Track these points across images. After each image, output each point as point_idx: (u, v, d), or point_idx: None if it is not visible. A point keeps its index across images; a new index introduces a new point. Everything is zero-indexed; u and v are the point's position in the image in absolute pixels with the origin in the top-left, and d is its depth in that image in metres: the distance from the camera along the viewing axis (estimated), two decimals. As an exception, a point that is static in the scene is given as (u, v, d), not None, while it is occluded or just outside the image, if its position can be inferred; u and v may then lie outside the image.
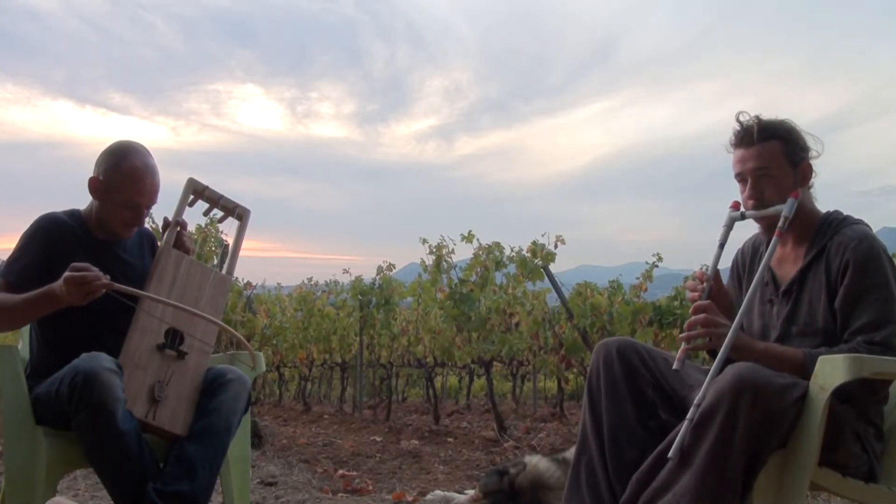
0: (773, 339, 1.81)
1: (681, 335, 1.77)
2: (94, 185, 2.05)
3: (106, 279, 1.84)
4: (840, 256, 1.69)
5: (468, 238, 4.97)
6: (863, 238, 1.69)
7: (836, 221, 1.78)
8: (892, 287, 1.66)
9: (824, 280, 1.73)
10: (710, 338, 1.70)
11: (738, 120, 1.81)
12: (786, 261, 1.85)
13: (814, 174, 1.81)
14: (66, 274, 1.80)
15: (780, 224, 1.71)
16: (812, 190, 1.83)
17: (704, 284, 1.81)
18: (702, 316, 1.72)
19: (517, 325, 5.37)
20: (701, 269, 1.85)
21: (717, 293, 1.89)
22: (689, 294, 1.87)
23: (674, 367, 1.72)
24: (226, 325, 2.10)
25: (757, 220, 1.82)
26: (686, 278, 4.64)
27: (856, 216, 1.79)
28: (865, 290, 1.65)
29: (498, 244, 5.00)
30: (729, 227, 1.83)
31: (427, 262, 5.21)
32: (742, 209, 1.81)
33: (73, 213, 2.11)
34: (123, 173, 2.02)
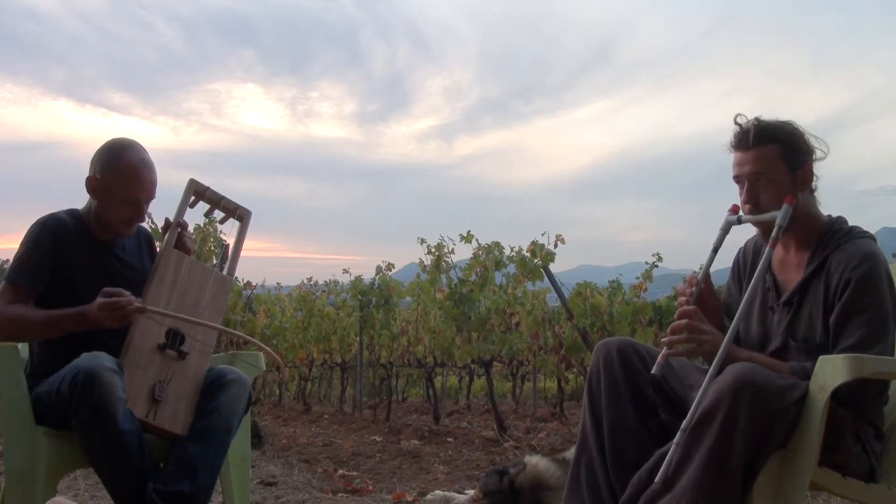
0: (773, 348, 1.80)
1: (663, 340, 1.75)
2: (93, 185, 2.05)
3: (138, 303, 1.88)
4: (840, 274, 1.67)
5: (467, 238, 4.98)
6: (865, 258, 1.66)
7: (840, 233, 1.74)
8: (887, 309, 1.64)
9: (822, 296, 1.71)
10: (694, 344, 1.69)
11: (736, 122, 1.79)
12: (788, 266, 1.83)
13: (816, 178, 1.78)
14: (101, 300, 1.85)
15: (773, 234, 1.69)
16: (816, 193, 1.80)
17: (694, 289, 1.80)
18: (684, 322, 1.70)
19: (517, 325, 5.37)
20: (693, 273, 1.83)
21: (708, 297, 1.89)
22: (679, 299, 1.85)
23: (652, 371, 1.71)
24: (246, 336, 2.11)
25: (754, 224, 1.80)
26: (684, 279, 4.65)
27: (856, 216, 1.77)
28: (860, 310, 1.63)
29: (497, 244, 5.00)
30: (725, 230, 1.80)
31: (426, 262, 5.22)
32: (740, 213, 1.79)
33: (73, 213, 2.11)
34: (121, 171, 2.02)
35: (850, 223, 1.79)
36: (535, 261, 4.74)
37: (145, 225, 2.26)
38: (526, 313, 5.32)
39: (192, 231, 2.25)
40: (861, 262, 1.65)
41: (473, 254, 5.02)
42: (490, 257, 4.98)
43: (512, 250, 4.96)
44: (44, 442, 1.82)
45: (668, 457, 1.55)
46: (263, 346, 2.23)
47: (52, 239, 2.01)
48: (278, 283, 8.57)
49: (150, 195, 2.09)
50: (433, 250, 5.15)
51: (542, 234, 4.73)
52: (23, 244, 2.02)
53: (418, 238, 5.21)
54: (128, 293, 1.87)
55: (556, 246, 4.70)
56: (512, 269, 5.01)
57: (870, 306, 1.63)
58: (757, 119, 1.77)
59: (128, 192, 2.03)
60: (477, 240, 5.00)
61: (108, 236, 2.12)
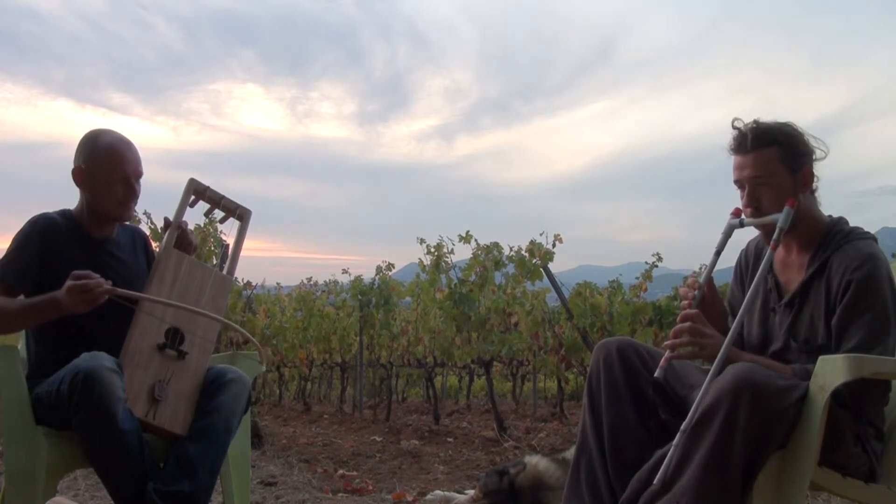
0: (774, 349, 1.80)
1: (665, 342, 1.76)
2: (79, 175, 2.06)
3: (108, 285, 1.85)
4: (840, 276, 1.67)
5: (466, 238, 4.98)
6: (866, 259, 1.66)
7: (841, 235, 1.74)
8: (888, 311, 1.64)
9: (824, 298, 1.71)
10: (697, 347, 1.69)
11: (734, 126, 1.78)
12: (790, 267, 1.83)
13: (816, 179, 1.78)
14: (69, 283, 1.82)
15: (774, 236, 1.69)
16: (817, 194, 1.80)
17: (696, 292, 1.80)
18: (687, 325, 1.70)
19: (516, 325, 5.37)
20: (693, 274, 1.84)
21: (711, 300, 1.88)
22: (682, 302, 1.85)
23: (655, 374, 1.71)
24: (230, 322, 2.10)
25: (757, 227, 1.80)
26: (685, 279, 4.66)
27: (856, 216, 1.77)
28: (860, 312, 1.63)
29: (497, 244, 5.00)
30: (727, 234, 1.81)
31: (425, 263, 5.22)
32: (742, 216, 1.79)
33: (65, 213, 2.12)
34: (102, 152, 2.04)
35: (851, 223, 1.79)
36: (534, 260, 4.74)
37: (145, 226, 2.27)
38: (525, 313, 5.31)
39: (191, 230, 2.25)
40: (862, 264, 1.65)
41: (473, 254, 5.02)
42: (490, 257, 4.98)
43: (511, 250, 4.97)
44: (44, 442, 1.82)
45: (668, 457, 1.55)
46: (244, 332, 2.20)
47: (41, 238, 2.01)
48: (278, 283, 8.57)
49: (137, 171, 2.09)
50: (432, 250, 5.16)
51: (541, 234, 4.75)
52: (12, 242, 2.03)
53: (418, 238, 5.22)
54: (96, 275, 1.84)
55: (554, 245, 4.71)
56: (511, 269, 5.01)
57: (871, 308, 1.63)
58: (755, 122, 1.77)
59: (113, 171, 2.04)
60: (476, 240, 5.01)
61: (103, 233, 2.12)
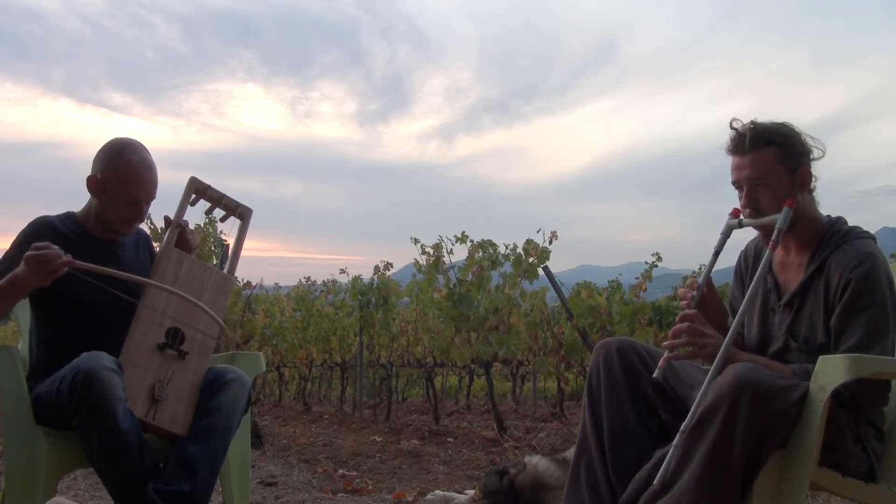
0: (774, 349, 1.80)
1: (664, 343, 1.76)
2: (93, 184, 2.06)
3: (67, 257, 1.81)
4: (839, 275, 1.67)
5: (462, 239, 4.97)
6: (864, 259, 1.66)
7: (840, 234, 1.74)
8: (887, 309, 1.64)
9: (823, 297, 1.71)
10: (696, 347, 1.69)
11: (731, 126, 1.79)
12: (789, 267, 1.84)
13: (814, 179, 1.78)
14: (27, 254, 1.78)
15: (773, 236, 1.69)
16: (815, 193, 1.80)
17: (695, 292, 1.80)
18: (685, 325, 1.71)
19: (508, 329, 5.35)
20: (692, 274, 1.84)
21: (710, 300, 1.88)
22: (680, 302, 1.85)
23: (654, 375, 1.71)
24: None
25: (755, 227, 1.80)
26: (684, 279, 4.67)
27: (855, 216, 1.77)
28: (859, 311, 1.63)
29: (491, 241, 4.98)
30: (726, 234, 1.81)
31: (421, 263, 5.22)
32: (741, 217, 1.79)
33: (67, 217, 2.11)
34: (121, 170, 2.02)
35: (850, 223, 1.79)
36: (531, 259, 4.73)
37: (144, 226, 2.26)
38: (522, 314, 5.30)
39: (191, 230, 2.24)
40: (860, 263, 1.65)
41: (469, 252, 5.02)
42: (485, 255, 4.97)
43: (507, 248, 4.96)
44: (44, 442, 1.82)
45: (668, 457, 1.55)
46: (222, 324, 2.13)
47: (38, 240, 2.00)
48: (277, 284, 8.57)
49: (150, 195, 2.09)
50: (428, 250, 5.15)
51: (538, 232, 4.73)
52: (12, 243, 2.02)
53: (412, 238, 5.21)
54: (55, 247, 1.81)
55: (550, 242, 4.69)
56: (509, 268, 5.01)
57: (869, 306, 1.63)
58: (753, 122, 1.77)
59: (127, 192, 2.03)
60: (471, 240, 5.00)
61: (107, 235, 2.13)
